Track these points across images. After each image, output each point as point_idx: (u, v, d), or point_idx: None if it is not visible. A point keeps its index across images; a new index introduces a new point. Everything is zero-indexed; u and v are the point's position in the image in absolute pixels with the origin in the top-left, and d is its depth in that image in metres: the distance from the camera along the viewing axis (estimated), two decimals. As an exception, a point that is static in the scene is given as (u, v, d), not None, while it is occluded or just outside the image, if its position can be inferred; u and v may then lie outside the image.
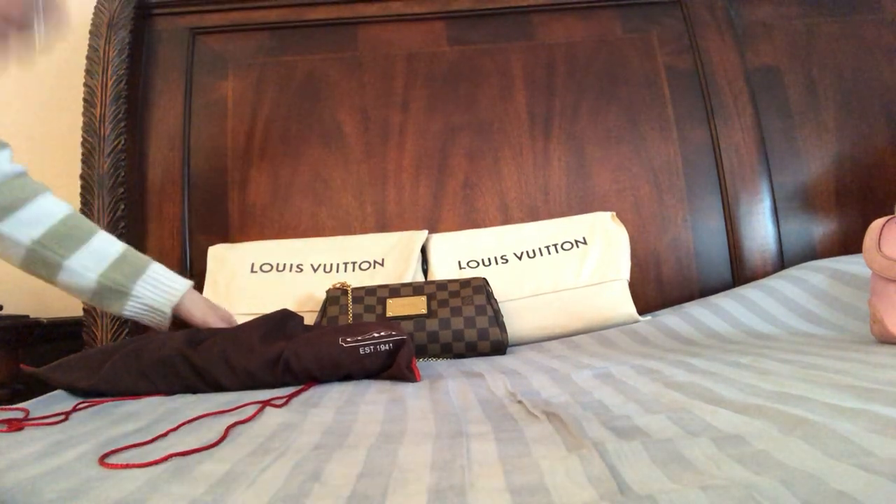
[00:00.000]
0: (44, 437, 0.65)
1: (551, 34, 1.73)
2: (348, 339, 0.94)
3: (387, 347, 0.94)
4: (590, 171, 1.65)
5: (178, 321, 1.10)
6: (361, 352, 0.93)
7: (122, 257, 1.03)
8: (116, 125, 1.58)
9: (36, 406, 0.83)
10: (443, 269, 1.46)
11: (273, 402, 0.79)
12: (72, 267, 0.99)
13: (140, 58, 1.69)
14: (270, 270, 1.46)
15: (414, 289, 1.31)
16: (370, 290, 1.31)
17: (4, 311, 1.49)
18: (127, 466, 0.53)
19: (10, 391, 1.32)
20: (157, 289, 1.05)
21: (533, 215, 1.61)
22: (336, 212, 1.63)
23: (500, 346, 1.25)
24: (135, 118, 1.64)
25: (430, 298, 1.29)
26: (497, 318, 1.27)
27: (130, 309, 1.04)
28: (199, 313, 1.09)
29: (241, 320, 1.39)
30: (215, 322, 1.10)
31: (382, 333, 0.96)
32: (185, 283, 1.09)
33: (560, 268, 1.43)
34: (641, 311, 1.45)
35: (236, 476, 0.49)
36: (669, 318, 1.33)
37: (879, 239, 0.95)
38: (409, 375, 0.91)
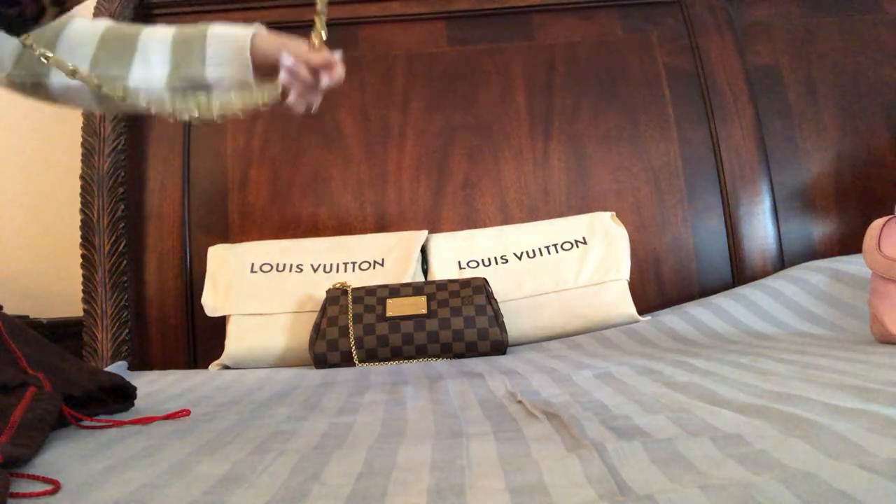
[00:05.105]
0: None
1: (551, 34, 1.73)
2: None
3: None
4: (590, 171, 1.64)
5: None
6: None
7: (175, 43, 0.88)
8: (116, 125, 1.58)
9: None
10: (443, 269, 1.46)
11: None
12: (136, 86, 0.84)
13: (140, 58, 1.68)
14: (270, 270, 1.46)
15: (414, 289, 1.31)
16: (370, 290, 1.31)
17: (4, 312, 1.49)
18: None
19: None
20: (230, 62, 0.89)
21: (533, 215, 1.61)
22: (336, 212, 1.63)
23: (500, 346, 1.25)
24: (135, 118, 1.63)
25: (430, 298, 1.29)
26: (497, 318, 1.27)
27: (218, 96, 0.88)
28: (273, 47, 0.89)
29: (241, 320, 1.41)
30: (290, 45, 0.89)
31: None
32: (247, 33, 0.91)
33: (560, 268, 1.43)
34: (641, 311, 1.45)
35: (236, 476, 0.49)
36: (669, 318, 1.33)
37: (879, 239, 0.95)
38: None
